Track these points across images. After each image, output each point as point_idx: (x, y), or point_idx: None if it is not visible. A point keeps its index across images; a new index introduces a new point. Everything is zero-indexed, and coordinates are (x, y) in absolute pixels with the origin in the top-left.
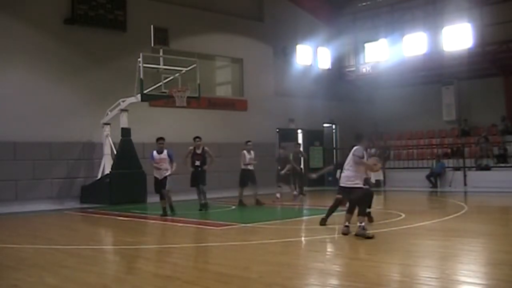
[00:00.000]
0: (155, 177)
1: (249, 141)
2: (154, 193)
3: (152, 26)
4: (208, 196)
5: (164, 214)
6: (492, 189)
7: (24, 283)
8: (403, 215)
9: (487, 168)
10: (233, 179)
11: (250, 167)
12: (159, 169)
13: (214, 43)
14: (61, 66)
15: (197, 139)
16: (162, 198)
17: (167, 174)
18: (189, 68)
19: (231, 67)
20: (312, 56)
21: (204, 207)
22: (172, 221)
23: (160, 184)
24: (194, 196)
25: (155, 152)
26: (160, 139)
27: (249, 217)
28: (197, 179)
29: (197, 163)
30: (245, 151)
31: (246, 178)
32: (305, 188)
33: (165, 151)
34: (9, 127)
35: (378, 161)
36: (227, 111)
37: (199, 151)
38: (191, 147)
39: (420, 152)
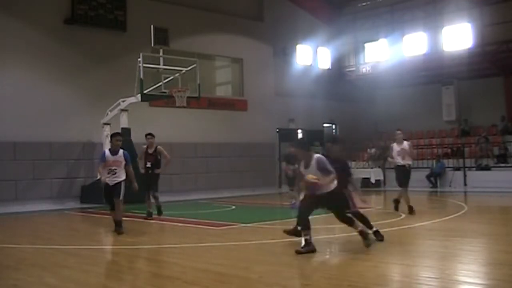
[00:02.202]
0: (105, 184)
1: (398, 130)
2: (105, 202)
3: (152, 26)
4: (208, 196)
5: (119, 230)
6: (492, 189)
7: (24, 283)
8: (403, 215)
9: (487, 168)
10: (233, 179)
11: (404, 162)
12: (112, 173)
13: (214, 43)
14: (61, 66)
15: (149, 137)
16: (113, 208)
17: (120, 180)
18: (189, 68)
19: (231, 67)
20: (312, 56)
21: (148, 216)
22: (172, 221)
23: (111, 192)
24: (193, 196)
25: (107, 152)
26: (117, 135)
27: (249, 217)
28: (150, 183)
29: (148, 164)
30: (394, 144)
31: (402, 177)
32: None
33: (120, 152)
34: (9, 127)
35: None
36: (227, 111)
37: (151, 151)
38: (144, 146)
39: (420, 152)
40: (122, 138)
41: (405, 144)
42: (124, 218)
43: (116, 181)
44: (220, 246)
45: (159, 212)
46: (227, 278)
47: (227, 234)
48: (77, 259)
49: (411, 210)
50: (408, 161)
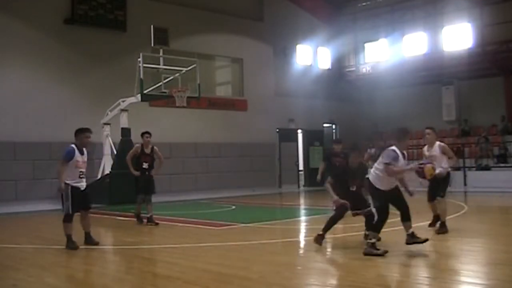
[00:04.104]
0: (74, 187)
1: (428, 128)
2: (70, 212)
3: (152, 26)
4: (208, 196)
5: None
6: (492, 189)
7: (24, 283)
8: None
9: (487, 168)
10: (233, 179)
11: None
12: (82, 176)
13: (214, 43)
14: (61, 66)
15: (147, 135)
16: (67, 221)
17: (86, 184)
18: (189, 68)
19: (231, 67)
20: (312, 56)
21: (151, 221)
22: (172, 221)
23: (84, 198)
24: (193, 196)
25: (76, 149)
26: (86, 130)
27: (249, 217)
28: (148, 187)
29: (145, 165)
30: (425, 147)
31: (433, 187)
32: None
33: (85, 151)
34: (9, 127)
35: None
36: (227, 111)
37: (148, 151)
38: (138, 145)
39: (420, 152)
40: (90, 134)
41: (436, 147)
42: (124, 218)
43: (85, 186)
44: (220, 246)
45: (145, 220)
46: (227, 278)
47: (227, 234)
48: (77, 259)
49: (434, 223)
50: (439, 168)
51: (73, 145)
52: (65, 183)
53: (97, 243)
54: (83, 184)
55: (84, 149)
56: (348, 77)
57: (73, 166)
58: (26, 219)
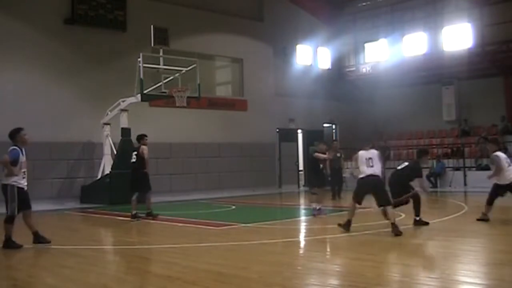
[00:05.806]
0: (20, 188)
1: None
2: (16, 214)
3: (152, 26)
4: (208, 196)
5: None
6: None
7: (24, 283)
8: (403, 215)
9: (487, 168)
10: (233, 179)
11: None
12: (24, 176)
13: (214, 43)
14: (61, 66)
15: (146, 138)
16: (9, 222)
17: None
18: (189, 68)
19: (231, 67)
20: (312, 56)
21: (136, 217)
22: (172, 221)
23: (27, 199)
24: (193, 196)
25: (19, 150)
26: (22, 129)
27: (249, 217)
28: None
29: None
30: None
31: None
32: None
33: (24, 150)
34: (9, 127)
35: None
36: (227, 111)
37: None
38: (145, 147)
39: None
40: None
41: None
42: (124, 218)
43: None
44: (220, 246)
45: (136, 218)
46: (227, 278)
47: (227, 234)
48: (77, 259)
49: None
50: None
51: (15, 147)
52: (11, 185)
53: (49, 242)
54: (26, 184)
55: (23, 149)
56: (348, 77)
57: (18, 167)
58: None
